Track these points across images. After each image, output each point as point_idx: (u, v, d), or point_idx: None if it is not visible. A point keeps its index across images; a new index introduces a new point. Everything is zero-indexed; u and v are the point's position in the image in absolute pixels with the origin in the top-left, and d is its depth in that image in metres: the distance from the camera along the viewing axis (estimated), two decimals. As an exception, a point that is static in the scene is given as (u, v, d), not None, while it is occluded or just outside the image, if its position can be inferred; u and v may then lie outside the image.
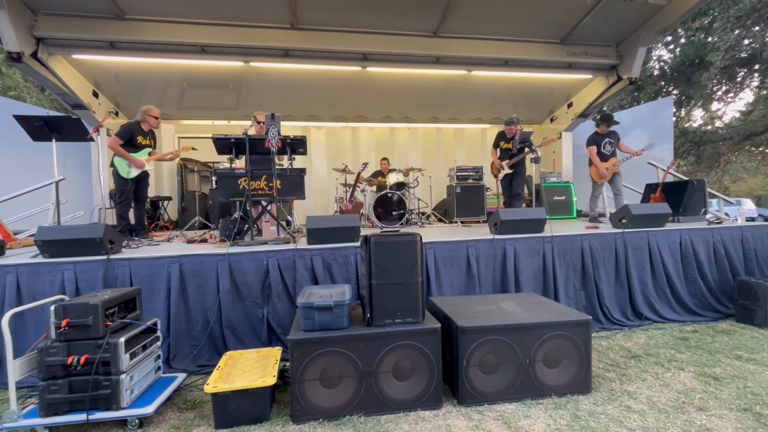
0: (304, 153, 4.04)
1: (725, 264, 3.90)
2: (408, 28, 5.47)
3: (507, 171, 5.21)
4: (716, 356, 2.85)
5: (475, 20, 5.37)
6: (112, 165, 4.24)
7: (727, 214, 5.03)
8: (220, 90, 6.55)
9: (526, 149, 4.95)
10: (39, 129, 3.56)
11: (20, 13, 4.43)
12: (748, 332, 3.35)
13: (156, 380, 2.44)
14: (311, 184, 7.56)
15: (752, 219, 4.50)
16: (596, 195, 5.42)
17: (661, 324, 3.59)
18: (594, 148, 5.23)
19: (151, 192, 7.05)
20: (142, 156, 4.26)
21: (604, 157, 5.21)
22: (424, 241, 2.41)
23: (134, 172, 4.21)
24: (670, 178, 5.53)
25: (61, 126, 3.61)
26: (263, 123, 4.63)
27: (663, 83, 15.18)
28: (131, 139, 4.16)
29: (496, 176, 5.44)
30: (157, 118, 4.39)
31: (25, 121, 3.52)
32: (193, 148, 4.82)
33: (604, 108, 8.65)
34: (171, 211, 6.96)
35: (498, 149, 5.44)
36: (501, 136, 5.42)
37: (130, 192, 4.29)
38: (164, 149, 7.34)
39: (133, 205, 4.56)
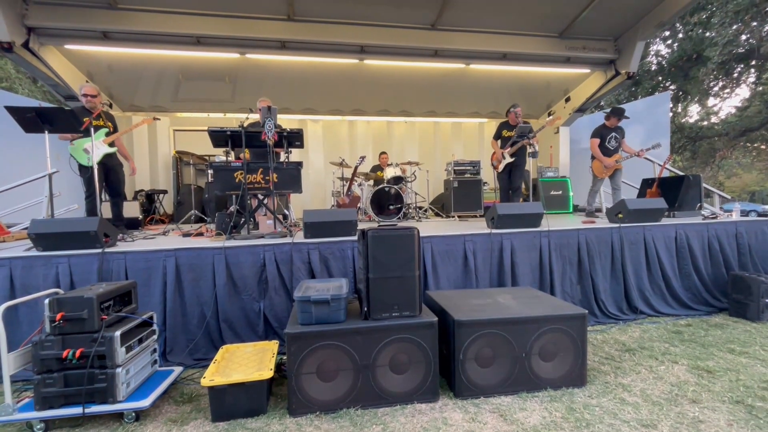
0: (301, 146, 4.01)
1: (719, 258, 3.93)
2: (406, 21, 5.42)
3: (508, 160, 5.09)
4: (709, 350, 2.89)
5: (474, 13, 5.32)
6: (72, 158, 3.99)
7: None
8: (215, 82, 6.48)
9: (527, 139, 4.88)
10: (31, 120, 3.49)
11: (10, 1, 4.34)
12: (741, 326, 3.39)
13: (152, 374, 2.44)
14: (308, 178, 7.54)
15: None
16: (595, 190, 5.35)
17: (655, 318, 3.63)
18: (597, 141, 5.12)
19: (147, 185, 7.03)
20: (98, 138, 3.99)
21: (608, 152, 5.10)
22: (421, 235, 2.41)
23: (94, 157, 3.86)
24: (666, 174, 5.54)
25: (53, 117, 3.54)
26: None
27: (660, 78, 15.17)
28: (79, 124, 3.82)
29: (495, 167, 5.30)
30: (93, 95, 4.09)
31: (16, 112, 3.45)
32: (155, 118, 4.65)
33: (602, 103, 8.62)
34: (167, 204, 6.91)
35: (499, 140, 5.32)
36: (504, 126, 5.31)
37: (97, 182, 3.89)
38: (159, 142, 7.31)
39: (108, 200, 4.36)
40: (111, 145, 4.17)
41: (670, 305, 3.77)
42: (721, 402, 2.17)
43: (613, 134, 5.13)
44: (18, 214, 4.80)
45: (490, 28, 5.69)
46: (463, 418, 2.08)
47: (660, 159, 5.71)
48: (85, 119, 3.65)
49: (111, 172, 4.29)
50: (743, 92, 14.99)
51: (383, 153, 6.85)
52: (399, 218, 5.44)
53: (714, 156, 16.59)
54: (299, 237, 3.25)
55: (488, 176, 6.64)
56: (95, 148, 3.95)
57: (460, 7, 5.17)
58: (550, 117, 4.95)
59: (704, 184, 5.15)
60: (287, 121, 7.40)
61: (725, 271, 3.91)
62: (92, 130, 3.66)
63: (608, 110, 5.32)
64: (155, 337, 2.51)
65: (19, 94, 10.90)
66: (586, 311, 2.45)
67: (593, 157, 5.24)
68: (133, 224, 5.02)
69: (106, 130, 4.18)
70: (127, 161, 4.52)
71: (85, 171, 4.06)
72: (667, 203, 4.09)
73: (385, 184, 5.52)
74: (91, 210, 4.01)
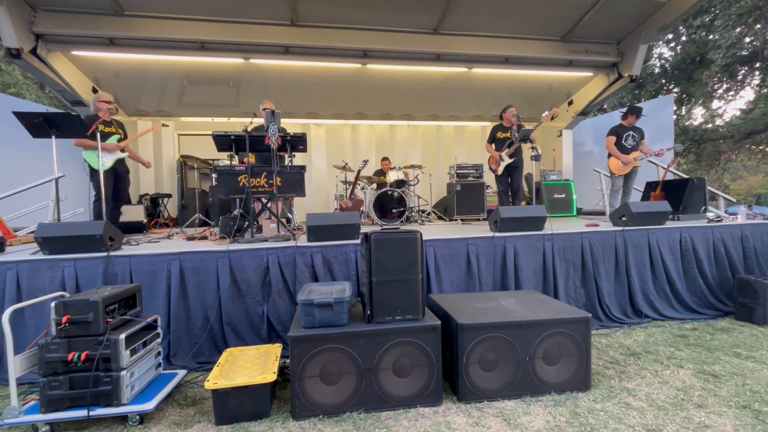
0: (304, 150, 4.04)
1: (725, 262, 3.90)
2: (408, 25, 5.46)
3: (507, 161, 5.02)
4: (715, 354, 2.86)
5: (476, 17, 5.35)
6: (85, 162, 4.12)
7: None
8: (219, 87, 6.55)
9: (529, 142, 4.82)
10: (39, 126, 3.54)
11: (19, 9, 4.42)
12: (747, 330, 3.36)
13: (156, 377, 2.45)
14: (311, 182, 7.57)
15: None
16: (615, 189, 5.25)
17: (660, 322, 3.60)
18: (613, 138, 5.08)
19: (151, 189, 7.08)
20: (110, 143, 4.14)
21: (624, 150, 5.05)
22: (424, 238, 2.41)
23: (108, 163, 4.05)
24: (670, 177, 5.52)
25: (60, 123, 3.59)
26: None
27: (664, 81, 15.14)
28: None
29: (494, 171, 5.22)
30: (109, 102, 4.26)
31: (24, 117, 3.50)
32: (164, 124, 4.92)
33: (605, 106, 8.57)
34: (171, 208, 6.96)
35: (494, 143, 5.24)
36: (497, 128, 5.25)
37: (107, 188, 4.03)
38: (164, 146, 7.37)
39: (110, 204, 4.36)
40: (122, 150, 4.29)
41: (675, 309, 3.74)
42: (727, 407, 2.15)
43: (630, 133, 5.06)
44: (25, 218, 4.85)
45: (492, 32, 5.72)
46: (467, 422, 2.07)
47: (664, 162, 5.69)
48: (100, 126, 3.81)
49: (120, 179, 4.40)
50: (748, 94, 14.94)
51: (385, 159, 6.86)
52: (402, 222, 5.44)
53: (719, 159, 16.49)
54: (302, 240, 3.26)
55: (491, 179, 6.63)
56: (109, 153, 4.13)
57: (462, 12, 5.20)
58: (547, 112, 4.80)
59: (709, 187, 5.12)
60: (290, 125, 7.43)
61: (731, 274, 3.88)
62: (98, 135, 3.73)
63: (624, 109, 5.26)
64: (159, 340, 2.52)
65: (26, 99, 11.03)
66: (590, 315, 2.43)
67: (610, 155, 5.14)
68: (138, 228, 5.06)
69: (118, 136, 4.32)
70: (140, 162, 4.74)
71: (95, 175, 4.13)
72: (672, 206, 4.07)
73: (388, 188, 5.53)
74: (98, 213, 4.05)
